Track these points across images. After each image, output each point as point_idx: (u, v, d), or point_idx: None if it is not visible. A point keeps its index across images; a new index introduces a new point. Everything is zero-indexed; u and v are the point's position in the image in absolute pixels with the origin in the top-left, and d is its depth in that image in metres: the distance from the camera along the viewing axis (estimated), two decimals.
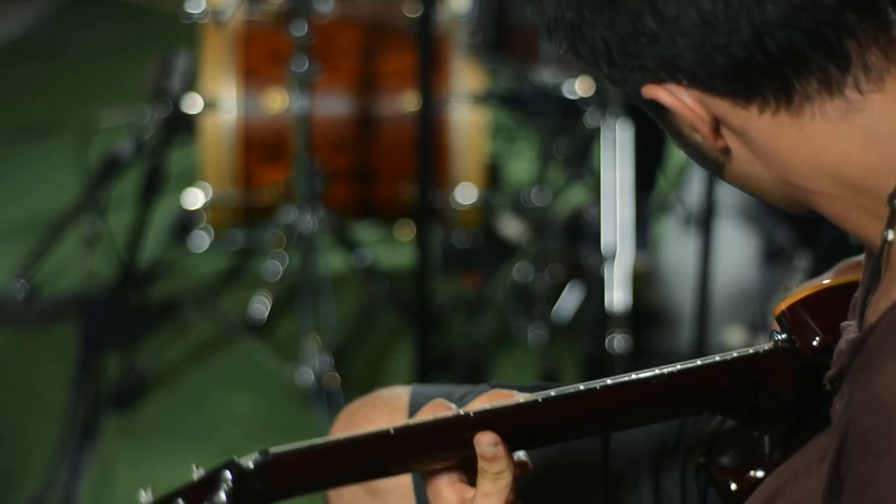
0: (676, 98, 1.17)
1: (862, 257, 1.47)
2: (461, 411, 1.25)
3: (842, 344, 1.21)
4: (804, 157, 1.16)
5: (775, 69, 1.13)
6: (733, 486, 1.37)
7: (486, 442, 1.22)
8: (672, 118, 1.21)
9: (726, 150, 1.20)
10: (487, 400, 1.26)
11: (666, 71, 1.16)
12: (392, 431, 1.22)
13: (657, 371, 1.28)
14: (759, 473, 1.34)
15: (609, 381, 1.27)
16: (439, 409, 1.26)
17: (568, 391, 1.27)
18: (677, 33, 1.12)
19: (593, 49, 1.18)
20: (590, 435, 1.38)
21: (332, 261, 3.60)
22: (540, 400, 1.25)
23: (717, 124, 1.18)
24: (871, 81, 1.12)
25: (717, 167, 1.22)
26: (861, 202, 1.16)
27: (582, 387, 1.27)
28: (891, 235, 1.14)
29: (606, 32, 1.16)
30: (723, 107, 1.16)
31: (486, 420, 1.23)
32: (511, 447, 1.24)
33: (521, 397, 1.26)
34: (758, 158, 1.19)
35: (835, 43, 1.11)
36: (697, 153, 1.22)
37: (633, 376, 1.28)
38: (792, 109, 1.14)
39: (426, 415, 1.25)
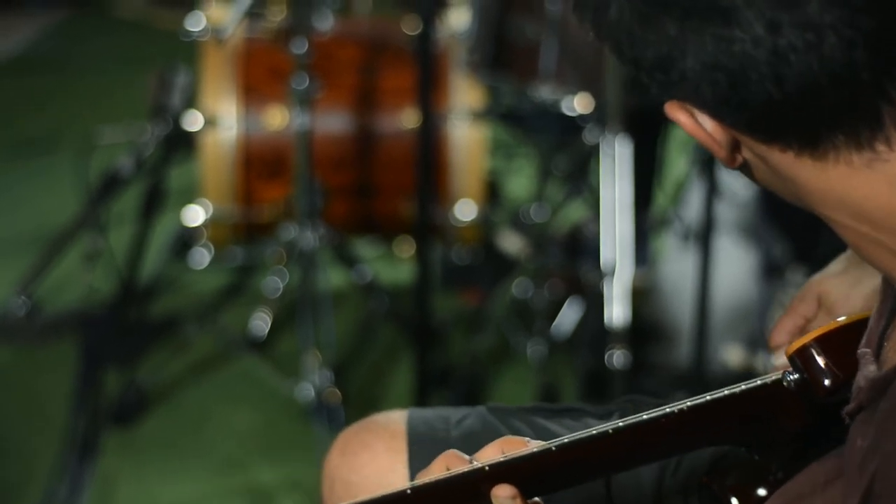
0: (696, 123, 1.15)
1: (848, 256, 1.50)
2: (476, 463, 1.24)
3: (861, 380, 1.20)
4: (823, 191, 1.14)
5: (801, 126, 1.11)
6: None
7: (503, 495, 1.22)
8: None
9: (744, 165, 1.19)
10: (499, 448, 1.26)
11: (690, 100, 1.14)
12: (409, 491, 1.22)
13: (667, 409, 1.28)
14: (763, 492, 1.34)
15: (621, 424, 1.27)
16: (452, 461, 1.25)
17: (580, 437, 1.26)
18: (704, 81, 1.10)
19: (631, 65, 1.16)
20: (604, 476, 1.38)
21: (333, 277, 3.60)
22: (553, 448, 1.25)
23: (736, 143, 1.16)
24: None
25: (738, 171, 1.22)
26: (880, 238, 1.14)
27: (594, 431, 1.27)
28: None
29: (636, 58, 1.14)
30: (743, 136, 1.15)
31: (502, 472, 1.23)
32: (526, 495, 1.24)
33: (533, 444, 1.26)
34: (776, 177, 1.18)
35: (868, 109, 1.09)
36: (720, 161, 1.22)
37: (644, 416, 1.28)
38: (816, 154, 1.12)
39: (439, 467, 1.25)
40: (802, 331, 1.48)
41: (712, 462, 1.48)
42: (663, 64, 1.12)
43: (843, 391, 1.24)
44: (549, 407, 1.66)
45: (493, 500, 1.23)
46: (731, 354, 3.27)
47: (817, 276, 1.53)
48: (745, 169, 1.20)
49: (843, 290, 1.48)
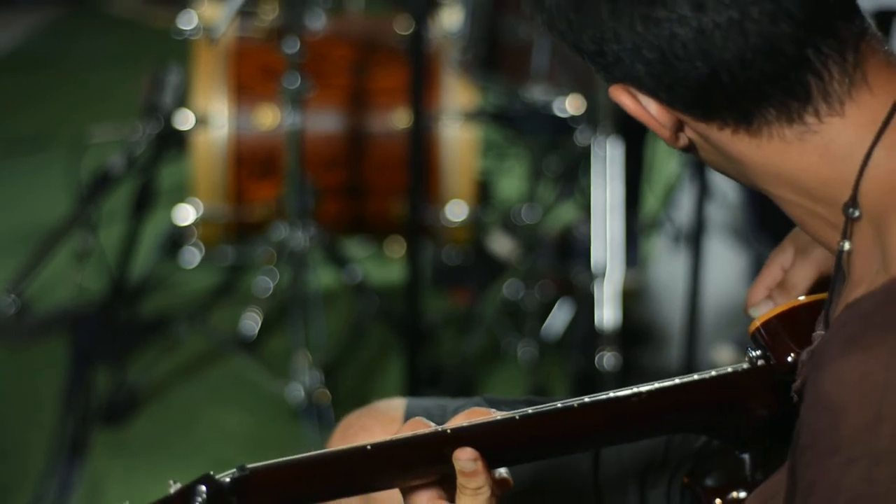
0: (638, 104, 1.20)
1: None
2: (439, 428, 1.25)
3: (804, 355, 1.23)
4: (762, 166, 1.18)
5: (732, 101, 1.15)
6: None
7: (464, 457, 1.23)
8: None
9: (689, 146, 1.23)
10: (465, 417, 1.27)
11: (630, 81, 1.19)
12: (369, 448, 1.22)
13: (635, 389, 1.28)
14: (742, 494, 1.35)
15: (587, 399, 1.28)
16: (419, 426, 1.27)
17: (545, 409, 1.27)
18: (638, 62, 1.15)
19: (577, 50, 1.21)
20: (569, 453, 1.38)
21: (323, 277, 3.60)
22: (517, 417, 1.26)
23: (679, 124, 1.20)
24: (831, 108, 1.14)
25: (685, 152, 1.25)
26: (816, 209, 1.18)
27: (560, 404, 1.27)
28: (846, 245, 1.16)
29: (576, 44, 1.19)
30: (684, 116, 1.19)
31: (464, 436, 1.24)
32: (490, 464, 1.24)
33: (498, 415, 1.27)
34: (719, 155, 1.21)
35: (795, 82, 1.13)
36: (665, 142, 1.25)
37: (612, 394, 1.28)
38: (751, 130, 1.16)
39: (406, 432, 1.26)
40: (780, 284, 1.47)
41: (695, 460, 1.49)
42: (599, 47, 1.17)
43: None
44: (543, 400, 1.67)
45: (455, 462, 1.23)
46: (722, 356, 3.27)
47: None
48: (692, 149, 1.24)
49: None
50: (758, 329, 1.31)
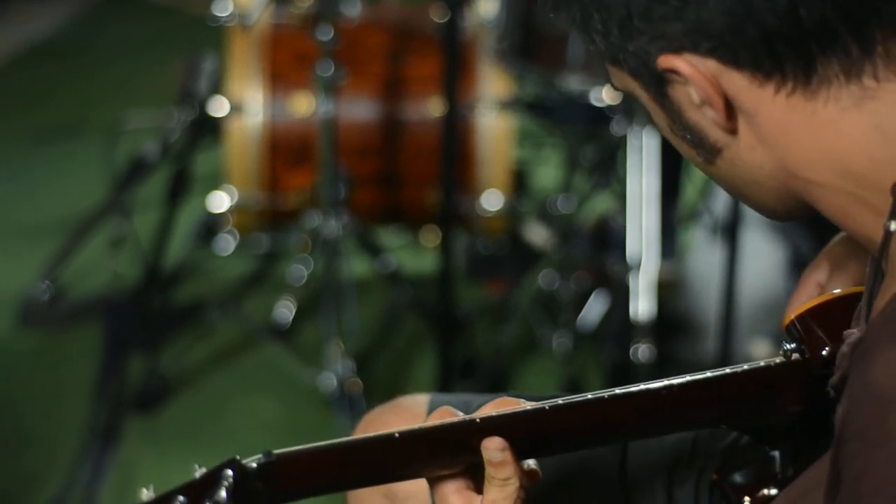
0: (695, 68, 1.14)
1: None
2: (467, 417, 1.24)
3: (844, 348, 1.20)
4: (811, 144, 1.14)
5: (802, 43, 1.11)
6: None
7: (492, 447, 1.21)
8: (674, 97, 1.18)
9: (733, 131, 1.18)
10: (494, 407, 1.25)
11: (690, 39, 1.13)
12: (397, 436, 1.21)
13: (667, 382, 1.27)
14: (772, 491, 1.33)
15: (618, 391, 1.26)
16: (446, 415, 1.25)
17: (576, 399, 1.25)
18: (720, 10, 1.10)
19: (609, 15, 1.15)
20: (598, 445, 1.37)
21: (357, 266, 3.59)
22: (547, 407, 1.24)
23: (727, 103, 1.16)
24: (889, 70, 1.11)
25: (711, 154, 1.20)
26: (863, 195, 1.14)
27: (590, 395, 1.26)
28: (893, 226, 1.12)
29: None
30: (738, 84, 1.14)
31: (493, 426, 1.22)
32: (518, 455, 1.22)
33: (528, 405, 1.25)
34: (761, 144, 1.17)
35: (863, 24, 1.10)
36: (693, 139, 1.20)
37: (643, 386, 1.26)
38: (808, 91, 1.12)
39: (433, 421, 1.24)
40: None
41: (723, 457, 1.47)
42: (649, 7, 1.12)
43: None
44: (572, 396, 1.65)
45: (483, 452, 1.21)
46: (758, 349, 3.24)
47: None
48: (732, 135, 1.18)
49: (852, 246, 1.44)
50: (792, 322, 1.30)
